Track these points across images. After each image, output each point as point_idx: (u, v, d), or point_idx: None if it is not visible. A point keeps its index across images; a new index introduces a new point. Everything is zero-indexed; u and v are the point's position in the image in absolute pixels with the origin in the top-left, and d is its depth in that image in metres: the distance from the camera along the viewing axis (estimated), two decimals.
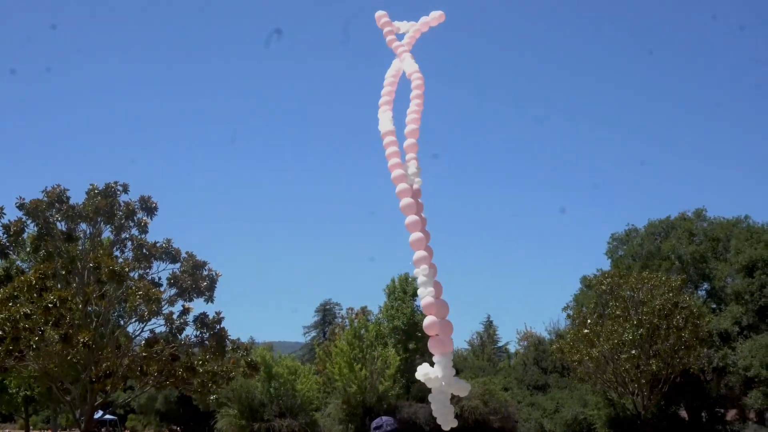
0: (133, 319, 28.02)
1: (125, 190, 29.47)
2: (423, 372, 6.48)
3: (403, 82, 8.98)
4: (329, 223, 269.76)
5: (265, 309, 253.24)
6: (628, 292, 43.13)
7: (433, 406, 6.53)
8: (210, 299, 29.33)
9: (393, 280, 62.20)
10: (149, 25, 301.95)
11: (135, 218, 29.27)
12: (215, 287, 29.47)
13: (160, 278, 29.36)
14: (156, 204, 29.66)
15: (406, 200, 7.33)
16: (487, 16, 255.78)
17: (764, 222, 53.82)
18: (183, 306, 28.95)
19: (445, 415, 6.46)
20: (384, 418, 6.44)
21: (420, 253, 6.90)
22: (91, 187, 29.20)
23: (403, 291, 61.23)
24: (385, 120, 8.30)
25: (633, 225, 60.54)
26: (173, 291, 28.84)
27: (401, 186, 7.46)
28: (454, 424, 6.59)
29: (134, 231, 29.36)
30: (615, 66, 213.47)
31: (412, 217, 7.22)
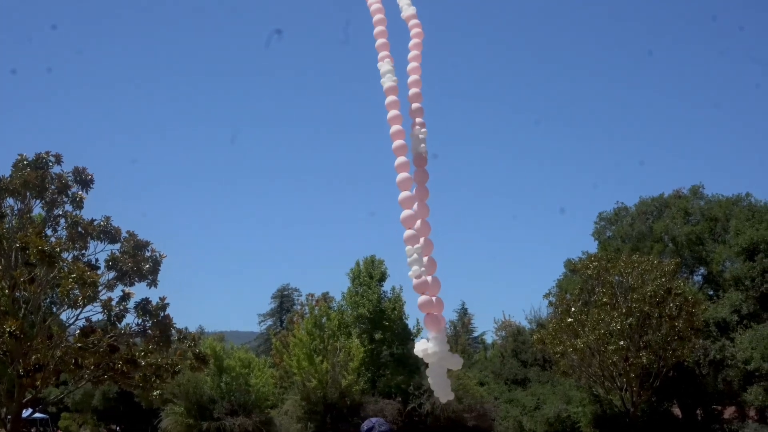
0: (67, 306, 27.71)
1: (58, 161, 29.04)
2: (421, 348, 6.87)
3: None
4: (288, 200, 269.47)
5: (215, 295, 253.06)
6: (617, 278, 43.39)
7: (430, 380, 6.98)
8: (153, 283, 29.07)
9: (357, 264, 62.09)
10: (149, 25, 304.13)
11: (69, 192, 28.85)
12: (159, 270, 29.19)
13: (97, 260, 29.03)
14: (92, 176, 29.24)
15: (402, 175, 7.46)
16: (486, 15, 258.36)
17: (767, 200, 54.31)
18: (123, 291, 28.65)
19: (442, 388, 6.93)
20: (374, 419, 6.85)
21: (410, 232, 7.19)
22: (19, 157, 28.72)
23: (369, 275, 61.12)
24: (388, 72, 8.25)
25: (622, 203, 60.94)
26: (112, 274, 28.52)
27: (401, 159, 7.55)
28: (451, 396, 7.05)
29: (68, 207, 28.94)
30: (614, 66, 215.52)
31: (405, 194, 7.38)
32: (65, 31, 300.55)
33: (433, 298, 7.01)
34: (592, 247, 60.11)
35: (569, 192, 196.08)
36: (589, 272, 44.62)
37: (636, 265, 42.80)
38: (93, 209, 29.59)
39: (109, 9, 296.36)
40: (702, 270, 56.14)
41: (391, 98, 8.06)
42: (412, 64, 8.38)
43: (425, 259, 7.19)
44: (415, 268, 7.02)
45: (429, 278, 7.10)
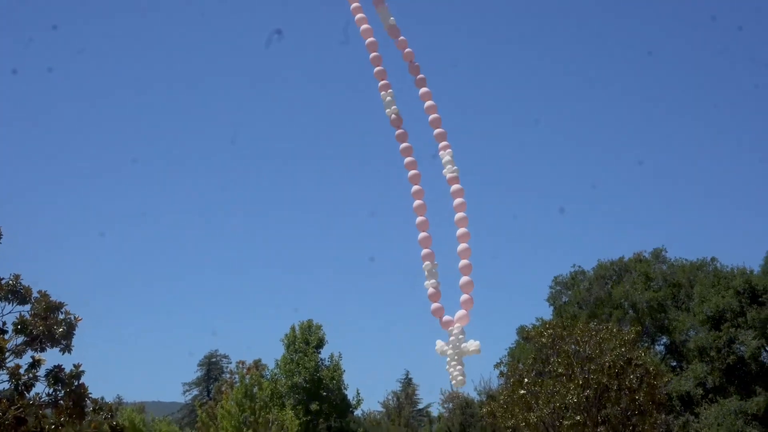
0: None
1: None
2: (438, 347, 8.21)
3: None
4: (220, 257, 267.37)
5: (135, 361, 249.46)
6: (573, 346, 43.40)
7: (447, 368, 8.14)
8: (67, 349, 28.45)
9: (293, 328, 61.95)
10: (150, 25, 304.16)
11: None
12: (74, 334, 28.64)
13: (4, 323, 28.32)
14: None
15: (418, 202, 8.97)
16: (485, 14, 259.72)
17: (733, 265, 54.97)
18: (33, 357, 28.03)
19: (456, 376, 8.07)
20: None
21: (426, 251, 8.68)
22: None
23: (305, 341, 60.98)
24: (392, 105, 9.61)
25: (580, 266, 61.40)
26: (20, 339, 27.89)
27: (416, 187, 9.10)
28: (463, 384, 8.17)
29: None
30: (612, 67, 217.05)
31: (421, 218, 8.88)
32: (66, 31, 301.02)
33: (463, 297, 8.34)
34: (547, 313, 60.43)
35: (521, 254, 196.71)
36: (544, 340, 44.59)
37: (594, 333, 42.88)
38: (0, 267, 29.01)
39: (109, 9, 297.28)
40: (664, 339, 56.64)
41: (400, 131, 9.32)
42: (423, 90, 9.50)
43: (462, 262, 8.53)
44: (426, 282, 8.46)
45: (465, 279, 8.44)
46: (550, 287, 61.69)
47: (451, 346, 8.10)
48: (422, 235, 8.77)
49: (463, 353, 8.07)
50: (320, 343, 61.22)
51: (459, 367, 8.10)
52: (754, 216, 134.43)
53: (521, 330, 56.61)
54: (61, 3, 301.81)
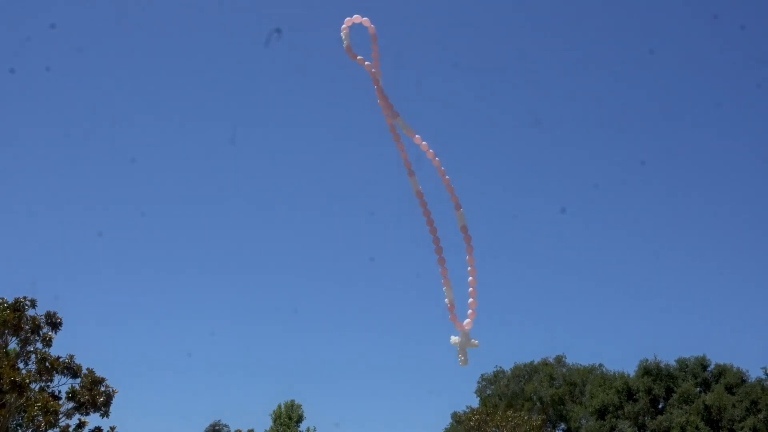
0: (31, 430, 26.76)
1: (33, 305, 28.67)
2: (452, 340, 8.52)
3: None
4: (222, 351, 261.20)
5: (157, 425, 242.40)
6: (494, 429, 43.13)
7: (457, 354, 8.50)
8: (105, 414, 28.31)
9: (279, 406, 61.30)
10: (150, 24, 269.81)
11: (40, 333, 28.30)
12: (111, 402, 28.51)
13: (59, 391, 28.19)
14: (61, 320, 28.85)
15: (437, 247, 8.77)
16: (485, 14, 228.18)
17: (616, 370, 55.12)
18: (79, 419, 27.83)
19: (463, 359, 8.47)
20: None
21: (446, 280, 8.82)
22: (0, 300, 28.32)
23: (288, 417, 60.32)
24: (416, 185, 9.38)
25: (500, 367, 61.14)
26: (71, 404, 27.71)
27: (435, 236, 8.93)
28: (466, 364, 8.53)
29: (39, 345, 28.33)
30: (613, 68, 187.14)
31: (443, 271, 8.77)
32: (65, 30, 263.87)
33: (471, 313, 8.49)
34: (475, 402, 59.88)
35: (452, 355, 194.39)
36: (472, 423, 44.33)
37: (510, 419, 42.69)
38: (60, 347, 28.82)
39: (108, 7, 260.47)
40: (563, 425, 56.18)
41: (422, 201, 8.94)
42: (436, 161, 8.93)
43: (471, 290, 8.58)
44: (446, 300, 8.65)
45: (471, 300, 8.56)
46: (478, 382, 61.36)
47: (460, 340, 8.45)
48: (442, 269, 8.90)
49: (469, 345, 8.46)
50: (300, 419, 60.52)
51: (466, 359, 8.43)
52: (632, 330, 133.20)
53: (455, 415, 56.09)
54: (60, 1, 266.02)
